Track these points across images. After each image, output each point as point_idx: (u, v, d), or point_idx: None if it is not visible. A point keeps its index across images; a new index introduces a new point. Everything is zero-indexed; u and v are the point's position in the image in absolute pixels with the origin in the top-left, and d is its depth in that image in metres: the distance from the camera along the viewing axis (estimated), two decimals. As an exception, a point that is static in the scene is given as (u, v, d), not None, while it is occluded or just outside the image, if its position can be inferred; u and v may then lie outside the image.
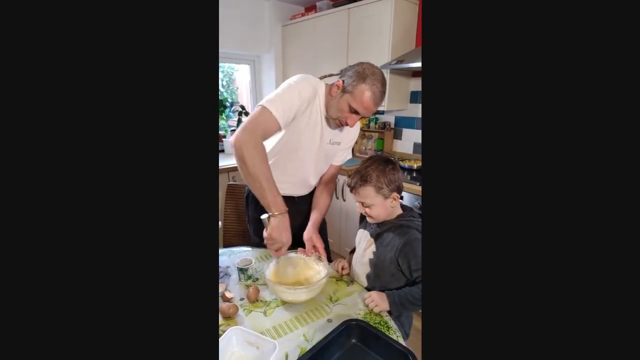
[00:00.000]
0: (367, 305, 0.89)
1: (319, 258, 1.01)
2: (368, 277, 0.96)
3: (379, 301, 0.88)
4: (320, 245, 1.05)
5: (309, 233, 1.08)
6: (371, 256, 0.94)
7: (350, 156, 1.26)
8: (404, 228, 0.89)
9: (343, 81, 0.96)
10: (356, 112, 0.97)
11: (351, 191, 0.92)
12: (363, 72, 0.93)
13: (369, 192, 0.88)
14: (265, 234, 0.91)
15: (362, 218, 1.06)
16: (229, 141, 0.92)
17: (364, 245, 0.97)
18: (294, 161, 1.09)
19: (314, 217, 1.14)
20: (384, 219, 0.92)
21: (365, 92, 0.92)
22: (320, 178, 1.23)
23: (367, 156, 2.40)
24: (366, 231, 0.99)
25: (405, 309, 0.87)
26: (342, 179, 2.10)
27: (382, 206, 0.89)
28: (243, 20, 2.54)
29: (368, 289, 0.95)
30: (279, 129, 0.97)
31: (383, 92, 0.95)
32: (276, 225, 0.89)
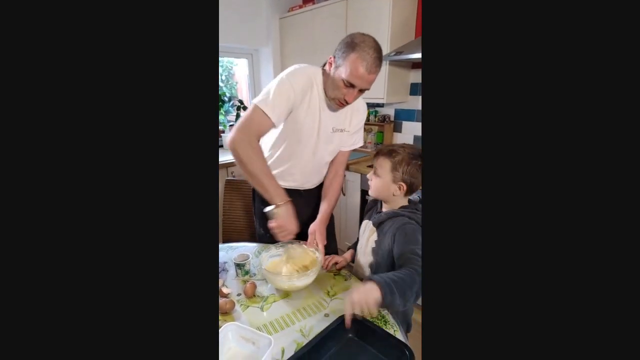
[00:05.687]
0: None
1: (317, 249, 1.01)
2: (371, 266, 0.96)
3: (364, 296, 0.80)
4: (321, 243, 1.02)
5: (315, 226, 1.05)
6: (373, 245, 0.94)
7: (361, 142, 1.18)
8: (400, 217, 0.89)
9: (334, 57, 0.92)
10: (352, 86, 0.91)
11: (375, 156, 0.93)
12: (352, 41, 0.88)
13: (385, 165, 0.89)
14: (272, 224, 0.94)
15: (367, 209, 1.05)
16: (226, 138, 0.94)
17: (367, 234, 0.97)
18: (297, 153, 1.08)
19: (323, 209, 1.11)
20: (375, 197, 0.96)
21: (356, 61, 0.86)
22: (331, 164, 1.19)
23: (367, 149, 2.40)
24: (370, 221, 0.98)
25: (397, 295, 0.70)
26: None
27: (384, 185, 0.90)
28: (240, 13, 2.50)
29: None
30: (273, 126, 0.95)
31: (377, 58, 0.88)
32: (283, 214, 0.93)
